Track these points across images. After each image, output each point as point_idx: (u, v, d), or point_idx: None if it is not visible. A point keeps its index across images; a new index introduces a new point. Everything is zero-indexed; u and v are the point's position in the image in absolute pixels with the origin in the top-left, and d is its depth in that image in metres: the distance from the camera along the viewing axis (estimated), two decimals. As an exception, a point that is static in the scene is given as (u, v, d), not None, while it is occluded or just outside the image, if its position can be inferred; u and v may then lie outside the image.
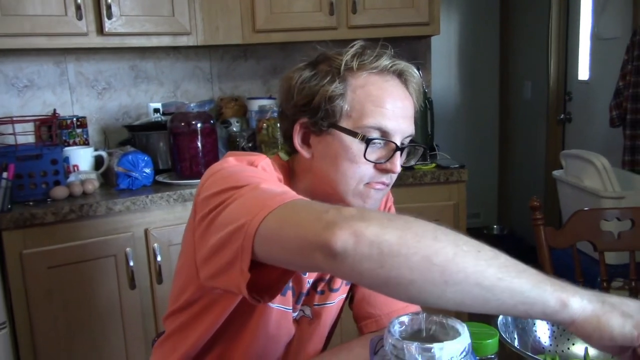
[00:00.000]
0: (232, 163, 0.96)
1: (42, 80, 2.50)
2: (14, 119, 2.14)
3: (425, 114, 2.54)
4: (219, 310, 1.00)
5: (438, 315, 0.74)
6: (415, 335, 0.74)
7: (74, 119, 2.44)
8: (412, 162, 1.11)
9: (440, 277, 0.65)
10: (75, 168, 2.25)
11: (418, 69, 1.05)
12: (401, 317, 0.75)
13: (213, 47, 2.70)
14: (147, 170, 2.22)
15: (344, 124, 0.99)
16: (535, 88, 4.20)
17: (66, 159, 2.23)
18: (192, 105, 2.41)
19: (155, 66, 2.71)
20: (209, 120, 2.29)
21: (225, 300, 0.98)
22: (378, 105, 0.98)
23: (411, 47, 2.91)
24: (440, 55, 4.25)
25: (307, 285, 1.10)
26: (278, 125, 2.30)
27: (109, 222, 2.04)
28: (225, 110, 2.73)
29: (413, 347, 0.66)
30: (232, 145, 2.54)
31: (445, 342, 0.67)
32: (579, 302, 0.69)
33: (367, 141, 0.97)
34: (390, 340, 0.69)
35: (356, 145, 0.98)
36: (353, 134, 0.98)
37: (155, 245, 2.10)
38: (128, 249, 2.06)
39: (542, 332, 1.01)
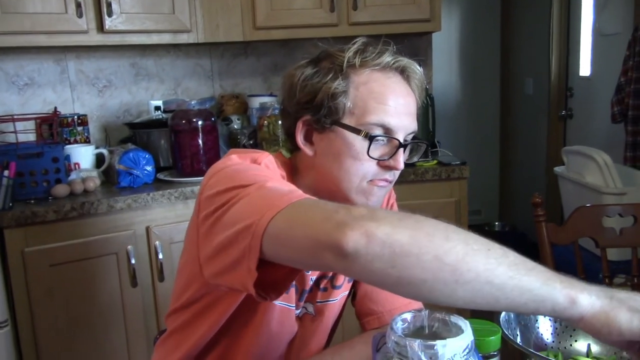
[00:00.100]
0: (235, 161, 0.95)
1: (43, 78, 2.50)
2: (15, 117, 2.14)
3: (426, 111, 2.54)
4: (223, 307, 1.00)
5: (441, 312, 0.74)
6: (417, 332, 0.74)
7: (75, 116, 2.43)
8: (415, 159, 1.11)
9: (452, 276, 0.65)
10: (77, 166, 2.25)
11: (420, 66, 1.05)
12: (404, 314, 0.75)
13: (213, 45, 2.70)
14: (148, 168, 2.22)
15: (346, 121, 0.98)
16: (536, 84, 4.19)
17: (67, 157, 2.23)
18: (192, 102, 2.41)
19: (155, 64, 2.70)
20: (210, 118, 2.29)
21: (229, 297, 0.98)
22: (381, 102, 0.98)
23: (412, 44, 2.90)
24: (441, 52, 4.24)
25: (310, 283, 1.10)
26: (279, 122, 2.29)
27: (111, 220, 2.04)
28: (226, 107, 2.73)
29: (416, 344, 0.66)
30: (233, 142, 2.54)
31: (448, 339, 0.67)
32: (587, 298, 0.69)
33: (370, 138, 0.97)
34: (392, 338, 0.69)
35: (359, 142, 0.98)
36: (356, 131, 0.98)
37: (157, 243, 2.10)
38: (129, 247, 2.06)
39: (545, 328, 1.01)
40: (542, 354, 0.88)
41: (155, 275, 2.12)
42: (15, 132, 2.07)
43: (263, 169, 0.94)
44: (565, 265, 1.53)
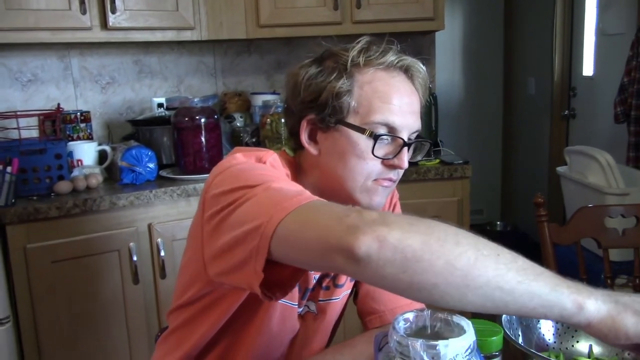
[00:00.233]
0: (240, 160, 0.95)
1: (46, 74, 2.50)
2: (18, 113, 2.14)
3: (429, 110, 2.54)
4: (226, 305, 1.00)
5: (443, 313, 0.74)
6: (420, 332, 0.74)
7: (78, 113, 2.44)
8: (419, 158, 1.11)
9: (463, 281, 0.66)
10: (79, 163, 2.25)
11: (423, 64, 1.05)
12: (406, 313, 0.75)
13: (217, 42, 2.70)
14: (151, 165, 2.22)
15: (351, 120, 0.98)
16: (539, 83, 4.18)
17: (70, 154, 2.23)
18: (195, 100, 2.41)
19: (159, 61, 2.71)
20: (213, 115, 2.29)
21: (232, 296, 0.98)
22: (385, 101, 0.98)
23: (415, 42, 2.90)
24: (445, 51, 4.24)
25: (313, 281, 1.10)
26: (282, 120, 2.29)
27: (113, 216, 2.04)
28: (229, 105, 2.73)
29: (418, 344, 0.66)
30: (236, 140, 2.54)
31: (450, 339, 0.67)
32: (594, 304, 0.70)
33: (375, 137, 0.97)
34: (395, 337, 0.69)
35: (364, 142, 0.98)
36: (360, 130, 0.98)
37: (159, 240, 2.10)
38: (131, 244, 2.06)
39: (546, 329, 1.01)
40: (544, 355, 0.88)
41: (157, 272, 2.13)
42: (18, 128, 2.07)
43: (269, 169, 0.94)
44: (567, 266, 1.53)
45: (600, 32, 3.43)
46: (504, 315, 0.94)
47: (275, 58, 2.87)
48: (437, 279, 0.66)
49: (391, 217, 0.70)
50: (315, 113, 1.01)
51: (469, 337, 0.68)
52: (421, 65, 1.04)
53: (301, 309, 1.12)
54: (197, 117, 2.24)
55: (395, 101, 0.98)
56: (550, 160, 4.01)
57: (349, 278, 1.14)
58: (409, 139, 1.01)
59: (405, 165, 1.01)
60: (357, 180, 1.00)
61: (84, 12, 2.15)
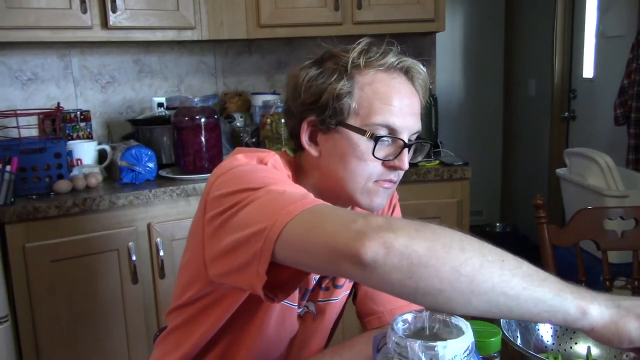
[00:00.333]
0: (242, 161, 0.95)
1: (46, 73, 2.50)
2: (18, 112, 2.14)
3: (429, 111, 2.54)
4: (225, 306, 1.00)
5: (441, 314, 0.74)
6: (418, 333, 0.74)
7: (78, 112, 2.43)
8: (419, 159, 1.11)
9: (468, 287, 0.67)
10: (79, 162, 2.25)
11: (423, 66, 1.05)
12: (404, 314, 0.75)
13: (217, 42, 2.70)
14: (151, 165, 2.22)
15: (351, 121, 0.99)
16: (539, 85, 4.18)
17: (69, 153, 2.23)
18: (196, 99, 2.41)
19: (159, 60, 2.71)
20: (213, 115, 2.29)
21: (232, 296, 0.98)
22: (386, 102, 0.98)
23: (416, 44, 2.90)
24: (445, 52, 4.24)
25: (312, 282, 1.10)
26: (282, 120, 2.29)
27: (112, 216, 2.04)
28: (229, 105, 2.73)
29: (416, 345, 0.66)
30: (236, 140, 2.54)
31: (448, 341, 0.67)
32: (597, 309, 0.71)
33: (376, 139, 0.97)
34: (393, 338, 0.69)
35: (364, 143, 0.98)
36: (361, 131, 0.98)
37: (158, 239, 2.10)
38: (131, 244, 2.06)
39: (545, 330, 1.01)
40: (542, 356, 0.88)
41: (156, 272, 2.13)
42: (18, 127, 2.07)
43: (271, 170, 0.94)
44: (566, 268, 1.54)
45: (601, 35, 3.43)
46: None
47: (276, 58, 2.87)
48: (443, 284, 0.67)
49: (397, 223, 0.70)
50: (316, 115, 1.01)
51: (468, 338, 0.68)
52: (421, 67, 1.04)
53: (301, 310, 1.12)
54: (197, 117, 2.24)
55: (395, 102, 0.98)
56: (550, 161, 4.01)
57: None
58: (409, 140, 1.01)
59: (406, 166, 1.01)
60: (358, 182, 1.00)
61: (84, 11, 2.15)
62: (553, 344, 1.01)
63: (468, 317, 0.75)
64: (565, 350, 1.00)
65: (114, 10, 2.20)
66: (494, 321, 0.91)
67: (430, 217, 2.33)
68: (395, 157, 1.00)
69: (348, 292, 1.18)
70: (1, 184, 1.91)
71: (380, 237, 0.67)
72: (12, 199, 1.93)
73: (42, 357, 1.97)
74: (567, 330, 1.00)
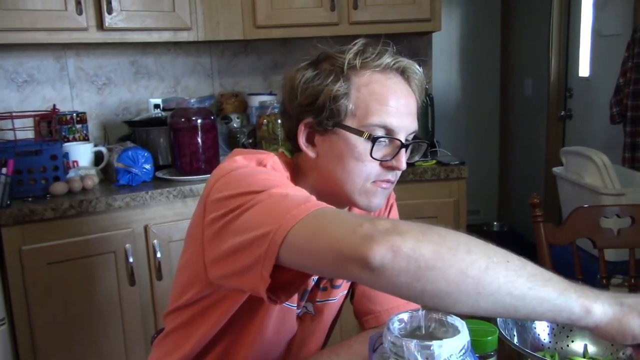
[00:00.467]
0: (241, 163, 0.95)
1: (42, 75, 2.49)
2: (14, 114, 2.14)
3: (426, 111, 2.54)
4: (224, 308, 1.00)
5: (437, 313, 0.74)
6: (414, 332, 0.74)
7: (74, 114, 2.43)
8: (416, 158, 1.11)
9: (475, 288, 0.68)
10: (75, 164, 2.25)
11: (419, 66, 1.05)
12: (400, 314, 0.75)
13: (214, 43, 2.70)
14: (147, 166, 2.21)
15: (348, 122, 0.99)
16: (535, 85, 4.19)
17: (66, 155, 2.22)
18: (192, 101, 2.41)
19: (155, 62, 2.70)
20: (210, 116, 2.29)
21: (231, 298, 0.98)
22: (382, 103, 0.98)
23: (412, 44, 2.90)
24: (441, 52, 4.25)
25: (311, 283, 1.10)
26: (278, 121, 2.29)
27: (109, 218, 2.04)
28: (225, 106, 2.73)
29: (412, 344, 0.66)
30: (233, 141, 2.54)
31: (444, 340, 0.67)
32: (600, 307, 0.72)
33: (373, 139, 0.98)
34: (389, 338, 0.69)
35: (362, 144, 0.98)
36: (358, 132, 0.98)
37: (155, 241, 2.10)
38: (128, 245, 2.06)
39: (542, 329, 1.01)
40: (539, 355, 0.88)
41: (153, 273, 2.12)
42: (13, 129, 2.07)
43: (271, 172, 0.95)
44: (563, 266, 1.54)
45: (597, 33, 3.44)
46: (498, 316, 0.95)
47: (272, 59, 2.87)
48: (450, 287, 0.67)
49: (404, 226, 0.71)
50: (313, 116, 1.01)
51: (463, 337, 0.69)
52: (417, 67, 1.04)
53: (299, 311, 1.12)
54: (194, 118, 2.24)
55: (392, 103, 0.98)
56: (546, 160, 4.02)
57: (344, 279, 1.15)
58: (406, 140, 1.01)
59: (404, 166, 1.01)
60: (356, 183, 1.01)
61: (80, 12, 2.15)
62: (550, 342, 1.01)
63: (464, 316, 0.75)
64: (562, 348, 1.00)
65: (110, 12, 2.20)
66: (491, 320, 0.91)
67: (427, 217, 2.33)
68: (393, 158, 1.00)
69: (345, 292, 1.19)
70: (-3, 186, 1.91)
71: (387, 240, 0.68)
72: (9, 202, 1.93)
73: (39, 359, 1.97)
74: (563, 329, 1.00)
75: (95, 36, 2.23)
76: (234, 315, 1.01)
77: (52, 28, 2.14)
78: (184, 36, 2.40)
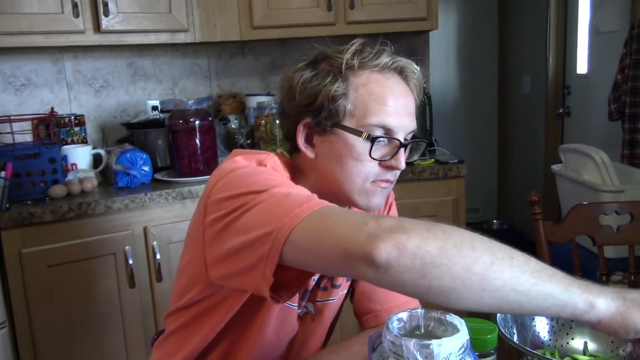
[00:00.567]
0: (242, 163, 0.95)
1: (40, 78, 2.49)
2: (12, 117, 2.14)
3: (424, 109, 2.54)
4: (226, 308, 1.00)
5: (437, 312, 0.75)
6: (413, 331, 0.74)
7: (72, 117, 2.43)
8: (415, 158, 1.12)
9: (480, 284, 0.69)
10: (74, 166, 2.25)
11: (417, 65, 1.05)
12: (400, 313, 0.75)
13: (211, 44, 2.69)
14: (146, 168, 2.21)
15: (347, 123, 0.99)
16: (534, 82, 4.19)
17: (64, 158, 2.22)
18: (190, 102, 2.41)
19: (153, 63, 2.70)
20: (208, 117, 2.29)
21: (232, 298, 0.98)
22: (381, 103, 0.98)
23: (409, 43, 2.90)
24: (439, 50, 4.25)
25: (312, 282, 1.10)
26: (276, 121, 2.29)
27: (108, 220, 2.04)
28: (223, 107, 2.73)
29: (411, 343, 0.66)
30: (231, 142, 2.54)
31: (443, 339, 0.67)
32: (604, 302, 0.73)
33: (372, 139, 0.98)
34: (388, 337, 0.69)
35: (361, 144, 0.98)
36: (357, 132, 0.98)
37: (155, 243, 2.10)
38: (127, 247, 2.06)
39: (541, 327, 1.01)
40: (539, 352, 0.89)
41: (153, 275, 2.12)
42: (12, 132, 2.07)
43: (272, 172, 0.95)
44: (562, 263, 1.53)
45: (594, 30, 3.44)
46: (498, 314, 0.95)
47: (270, 59, 2.87)
48: (455, 283, 0.68)
49: (408, 223, 0.71)
50: (311, 117, 1.01)
51: (463, 336, 0.69)
52: (415, 66, 1.04)
53: (300, 310, 1.12)
54: (192, 120, 2.24)
55: (390, 103, 0.98)
56: (545, 158, 4.02)
57: (345, 278, 1.15)
58: (405, 139, 1.01)
59: (403, 166, 1.01)
60: (355, 183, 1.01)
61: (76, 15, 2.15)
62: (550, 340, 1.01)
63: (463, 315, 0.75)
64: (562, 346, 1.00)
65: (107, 14, 2.19)
66: (490, 318, 0.91)
67: (427, 216, 2.33)
68: (392, 157, 1.00)
69: (346, 291, 1.19)
70: (-4, 190, 1.91)
71: (392, 238, 0.68)
72: (8, 205, 1.93)
73: (40, 362, 1.97)
74: (563, 326, 1.00)
75: (92, 39, 2.23)
76: (234, 315, 1.01)
77: (49, 31, 2.14)
78: (181, 38, 2.40)
